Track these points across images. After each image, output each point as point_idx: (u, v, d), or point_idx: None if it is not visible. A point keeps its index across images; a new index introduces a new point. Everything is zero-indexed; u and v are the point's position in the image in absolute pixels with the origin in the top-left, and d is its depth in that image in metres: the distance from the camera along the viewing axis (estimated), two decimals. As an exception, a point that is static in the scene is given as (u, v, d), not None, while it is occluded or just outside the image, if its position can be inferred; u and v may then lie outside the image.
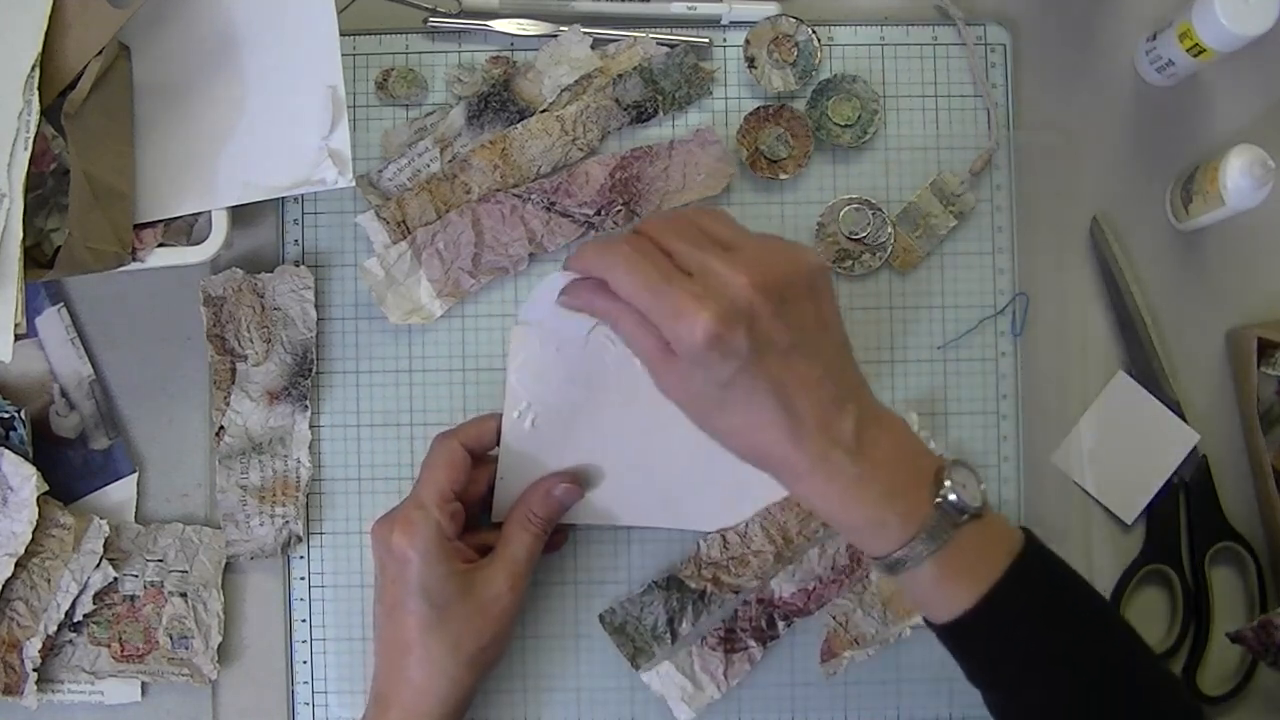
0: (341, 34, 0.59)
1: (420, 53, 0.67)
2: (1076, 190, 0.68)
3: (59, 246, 0.58)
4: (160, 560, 0.65)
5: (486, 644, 0.59)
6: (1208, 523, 0.67)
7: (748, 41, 0.66)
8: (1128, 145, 0.69)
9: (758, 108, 0.66)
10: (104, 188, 0.57)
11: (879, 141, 0.67)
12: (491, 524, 0.64)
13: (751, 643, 0.65)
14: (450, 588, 0.58)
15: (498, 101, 0.66)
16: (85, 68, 0.57)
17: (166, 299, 0.66)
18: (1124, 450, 0.67)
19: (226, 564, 0.65)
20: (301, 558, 0.66)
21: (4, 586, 0.63)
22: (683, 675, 0.64)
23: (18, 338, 0.57)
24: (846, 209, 0.66)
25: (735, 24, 0.67)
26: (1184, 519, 0.67)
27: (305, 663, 0.66)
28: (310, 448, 0.66)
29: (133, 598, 0.65)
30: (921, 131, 0.67)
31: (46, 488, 0.63)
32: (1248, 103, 0.69)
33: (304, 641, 0.66)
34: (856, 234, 0.66)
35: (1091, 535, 0.67)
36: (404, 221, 0.66)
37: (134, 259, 0.59)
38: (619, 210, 0.65)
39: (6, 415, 0.64)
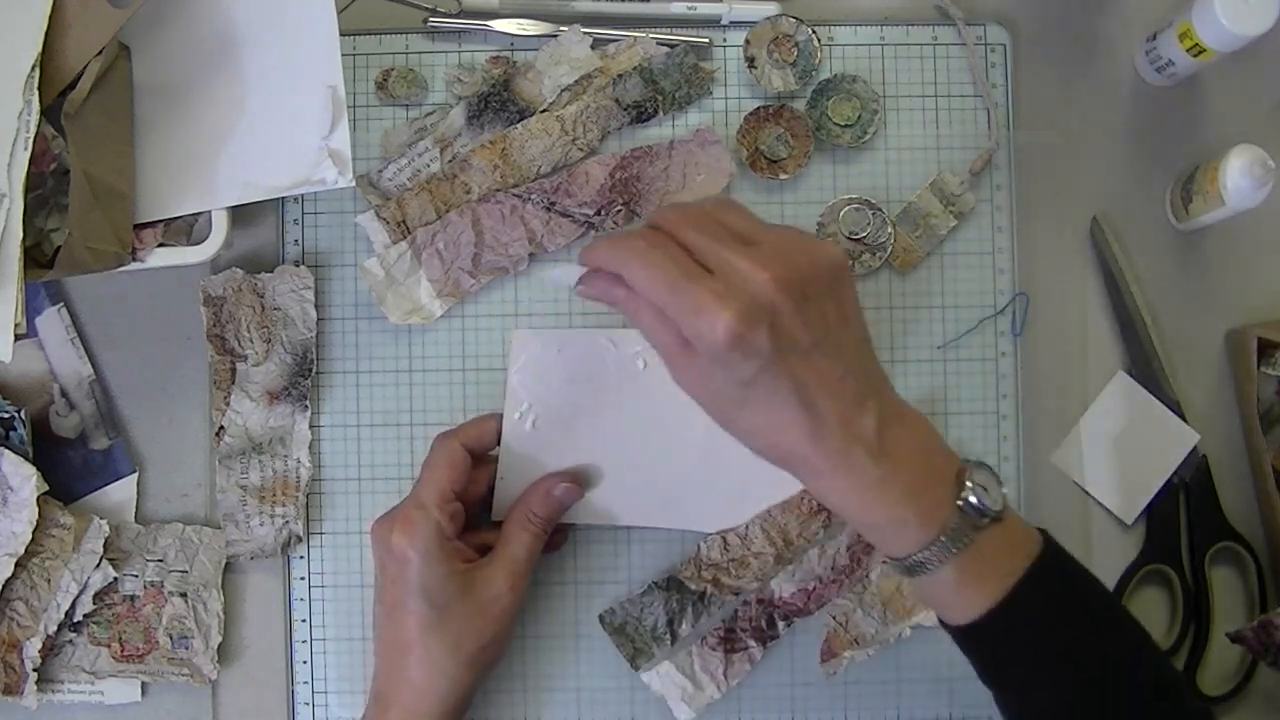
0: (341, 34, 0.59)
1: (420, 53, 0.67)
2: (1076, 190, 0.68)
3: (59, 246, 0.58)
4: (160, 560, 0.65)
5: (486, 644, 0.59)
6: (1208, 523, 0.67)
7: (748, 41, 0.66)
8: (1128, 145, 0.69)
9: (758, 108, 0.66)
10: (104, 188, 0.57)
11: (879, 141, 0.67)
12: (491, 523, 0.64)
13: (751, 643, 0.65)
14: (450, 587, 0.58)
15: (498, 101, 0.66)
16: (85, 68, 0.57)
17: (166, 299, 0.66)
18: (1124, 450, 0.67)
19: (226, 564, 0.65)
20: (301, 558, 0.66)
21: (4, 586, 0.63)
22: (683, 675, 0.64)
23: (18, 338, 0.57)
24: (846, 209, 0.66)
25: (735, 24, 0.67)
26: (1184, 519, 0.67)
27: (305, 663, 0.66)
28: (310, 448, 0.66)
29: (133, 598, 0.65)
30: (921, 131, 0.67)
31: (46, 488, 0.63)
32: (1248, 103, 0.69)
33: (304, 641, 0.66)
34: (856, 234, 0.66)
35: (1091, 535, 0.67)
36: (404, 221, 0.66)
37: (134, 259, 0.59)
38: (619, 210, 0.65)
39: (6, 415, 0.64)
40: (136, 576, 0.65)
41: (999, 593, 0.50)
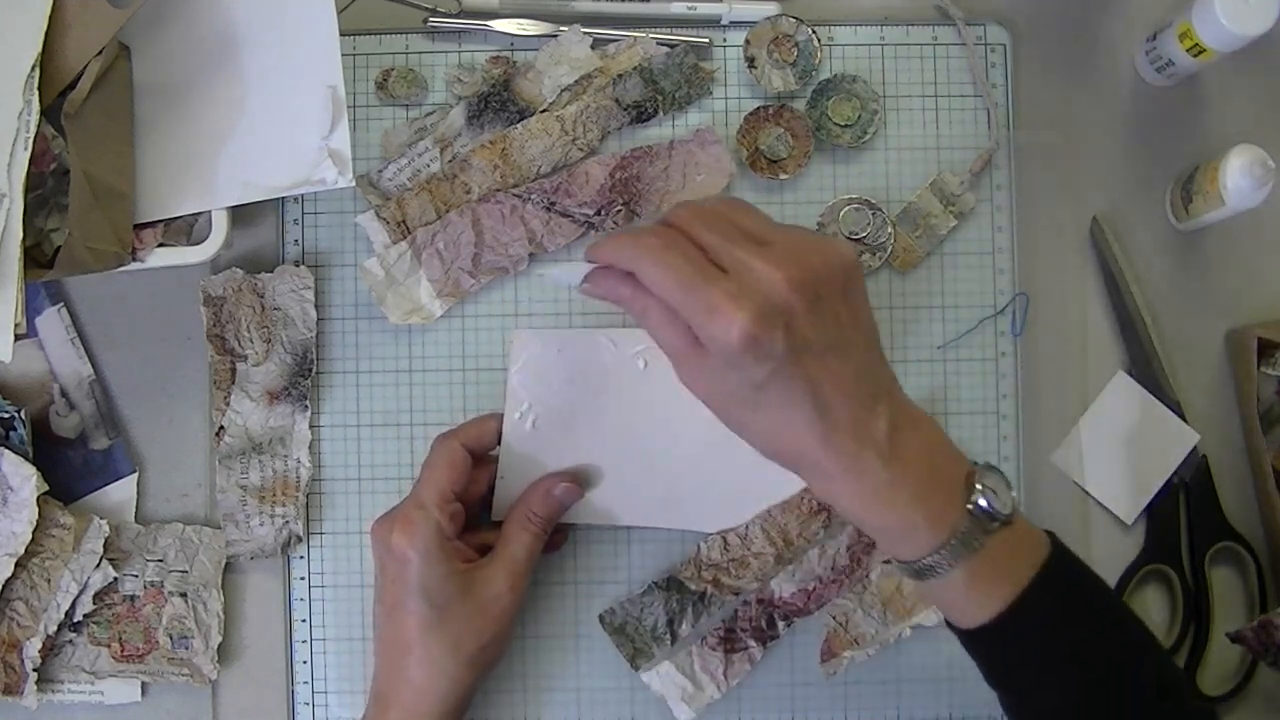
0: (341, 34, 0.59)
1: (420, 53, 0.67)
2: (1076, 190, 0.68)
3: (59, 246, 0.58)
4: (160, 560, 0.65)
5: (486, 644, 0.59)
6: (1208, 523, 0.67)
7: (748, 41, 0.66)
8: (1128, 145, 0.69)
9: (758, 108, 0.66)
10: (104, 188, 0.57)
11: (879, 141, 0.67)
12: (491, 523, 0.64)
13: (751, 643, 0.65)
14: (450, 587, 0.58)
15: (498, 101, 0.66)
16: (85, 68, 0.57)
17: (166, 299, 0.66)
18: (1124, 450, 0.67)
19: (226, 564, 0.65)
20: (301, 558, 0.66)
21: (4, 586, 0.63)
22: (683, 675, 0.64)
23: (18, 338, 0.57)
24: (846, 209, 0.66)
25: (735, 24, 0.67)
26: (1184, 519, 0.67)
27: (305, 663, 0.66)
28: (310, 448, 0.66)
29: (133, 598, 0.65)
30: (921, 131, 0.67)
31: (46, 488, 0.63)
32: (1248, 103, 0.69)
33: (304, 641, 0.66)
34: (856, 234, 0.66)
35: (1091, 535, 0.67)
36: (404, 221, 0.66)
37: (134, 259, 0.59)
38: (619, 210, 0.65)
39: (6, 415, 0.64)
40: (136, 576, 0.65)
41: (1009, 596, 0.49)
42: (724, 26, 0.67)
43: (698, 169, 0.66)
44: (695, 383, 0.50)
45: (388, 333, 0.66)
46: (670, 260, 0.48)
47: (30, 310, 0.65)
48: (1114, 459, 0.67)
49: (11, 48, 0.57)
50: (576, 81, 0.66)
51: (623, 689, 0.66)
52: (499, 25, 0.66)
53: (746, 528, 0.65)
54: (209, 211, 0.60)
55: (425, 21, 0.66)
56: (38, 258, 0.60)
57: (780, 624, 0.65)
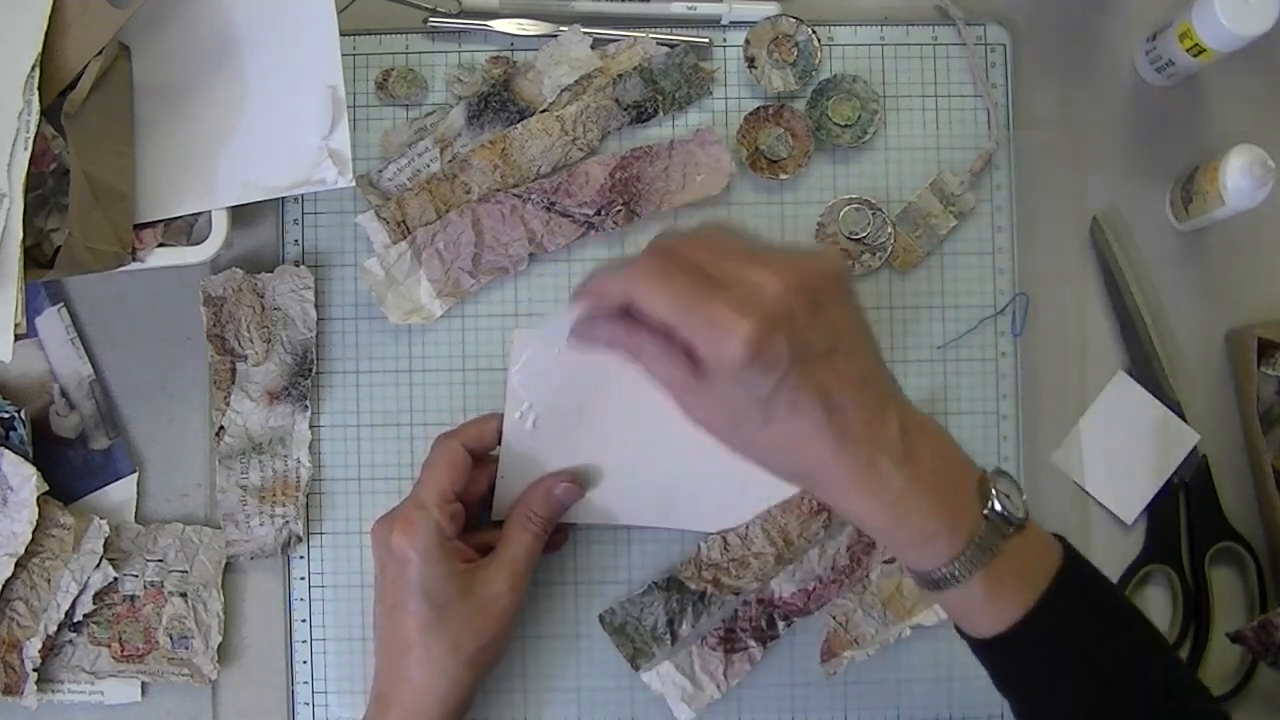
0: (341, 34, 0.59)
1: (420, 53, 0.67)
2: (1076, 190, 0.68)
3: (59, 246, 0.58)
4: (160, 560, 0.65)
5: (486, 643, 0.59)
6: (1208, 523, 0.67)
7: (748, 41, 0.66)
8: (1128, 145, 0.69)
9: (758, 108, 0.66)
10: (104, 188, 0.57)
11: (879, 141, 0.67)
12: (492, 523, 0.64)
13: (751, 643, 0.65)
14: (450, 587, 0.58)
15: (498, 101, 0.66)
16: (85, 68, 0.57)
17: (166, 299, 0.66)
18: (1124, 450, 0.67)
19: (226, 564, 0.65)
20: (301, 558, 0.66)
21: (4, 586, 0.63)
22: (683, 675, 0.64)
23: (18, 338, 0.57)
24: (846, 209, 0.66)
25: (735, 24, 0.67)
26: (1184, 519, 0.67)
27: (305, 663, 0.66)
28: (310, 448, 0.66)
29: (133, 598, 0.65)
30: (921, 131, 0.67)
31: (46, 488, 0.63)
32: (1248, 103, 0.69)
33: (304, 641, 0.66)
34: (856, 234, 0.66)
35: (1091, 535, 0.67)
36: (404, 221, 0.66)
37: (134, 259, 0.59)
38: (619, 210, 0.65)
39: (6, 415, 0.64)
40: (136, 576, 0.65)
41: (1026, 604, 0.49)
42: (724, 26, 0.67)
43: (698, 169, 0.66)
44: (699, 411, 0.49)
45: (388, 333, 0.66)
46: (665, 280, 0.47)
47: (30, 310, 0.65)
48: (1114, 459, 0.67)
49: (11, 48, 0.57)
50: (576, 81, 0.66)
51: (623, 689, 0.66)
52: (499, 25, 0.66)
53: (747, 528, 0.65)
54: (209, 211, 0.60)
55: (425, 21, 0.66)
56: (38, 258, 0.60)
57: (780, 624, 0.65)
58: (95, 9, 0.57)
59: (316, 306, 0.66)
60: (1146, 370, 0.67)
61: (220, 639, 0.65)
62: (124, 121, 0.60)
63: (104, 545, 0.64)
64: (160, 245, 0.60)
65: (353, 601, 0.66)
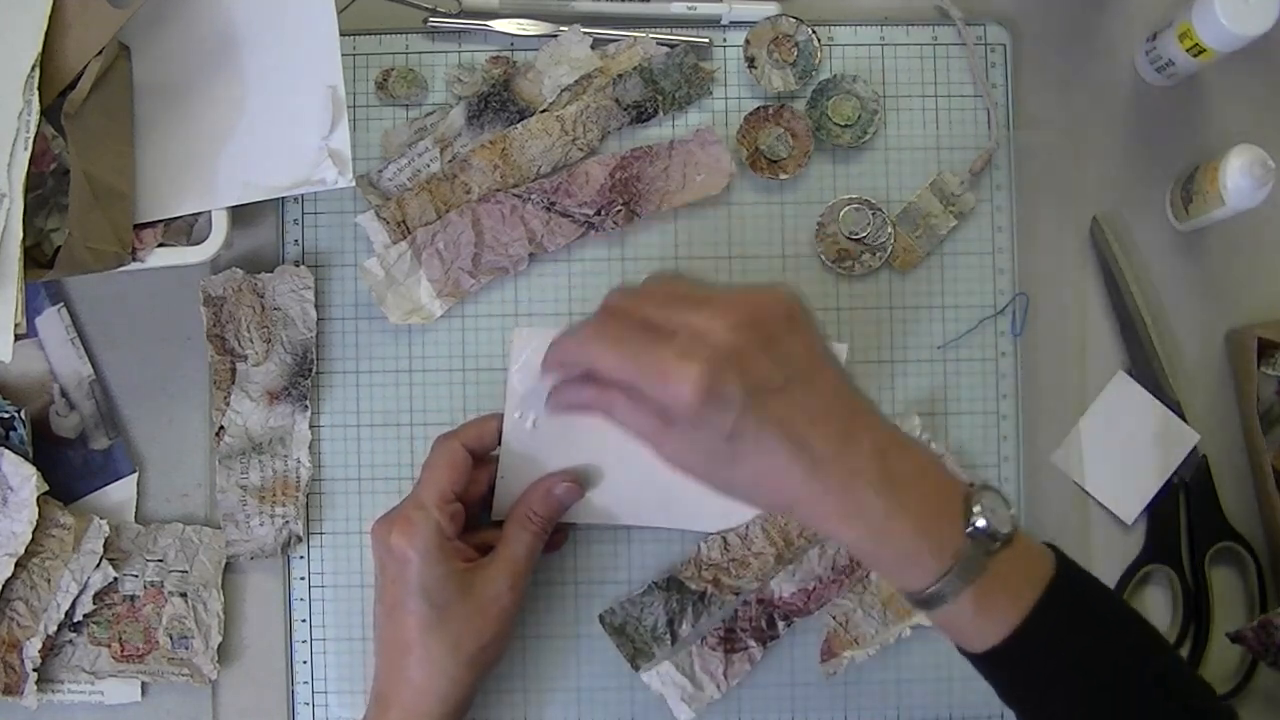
0: (341, 34, 0.59)
1: (420, 53, 0.67)
2: (1076, 190, 0.68)
3: (59, 246, 0.58)
4: (160, 560, 0.65)
5: (486, 643, 0.59)
6: (1208, 523, 0.67)
7: (748, 41, 0.66)
8: (1128, 145, 0.69)
9: (758, 108, 0.66)
10: (104, 188, 0.57)
11: (879, 141, 0.67)
12: (492, 523, 0.64)
13: (751, 643, 0.65)
14: (450, 587, 0.58)
15: (498, 101, 0.66)
16: (85, 68, 0.57)
17: (166, 299, 0.66)
18: (1124, 450, 0.67)
19: (226, 564, 0.65)
20: (301, 558, 0.66)
21: (4, 586, 0.63)
22: (683, 675, 0.64)
23: (18, 338, 0.57)
24: (846, 209, 0.66)
25: (735, 24, 0.67)
26: (1184, 519, 0.67)
27: (305, 663, 0.66)
28: (310, 448, 0.66)
29: (133, 598, 0.65)
30: (921, 131, 0.67)
31: (46, 488, 0.63)
32: (1248, 103, 0.69)
33: (304, 641, 0.66)
34: (856, 234, 0.66)
35: (1091, 535, 0.67)
36: (404, 221, 0.66)
37: (134, 259, 0.59)
38: (619, 210, 0.65)
39: (6, 415, 0.64)
40: (136, 576, 0.65)
41: (1017, 617, 0.49)
42: (724, 26, 0.67)
43: (698, 169, 0.66)
44: (675, 457, 0.51)
45: (388, 333, 0.66)
46: (616, 341, 0.49)
47: (30, 310, 0.65)
48: (1114, 459, 0.67)
49: (11, 48, 0.57)
50: (576, 81, 0.66)
51: (623, 689, 0.66)
52: (499, 25, 0.66)
53: (747, 527, 0.65)
54: (209, 211, 0.60)
55: (425, 21, 0.66)
56: (38, 258, 0.60)
57: (780, 624, 0.65)
58: (95, 9, 0.57)
59: (316, 306, 0.66)
60: (1146, 370, 0.67)
61: (220, 639, 0.65)
62: (124, 121, 0.60)
63: (104, 545, 0.64)
64: (160, 245, 0.60)
65: (353, 601, 0.66)
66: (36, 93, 0.57)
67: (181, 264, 0.60)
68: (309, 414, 0.66)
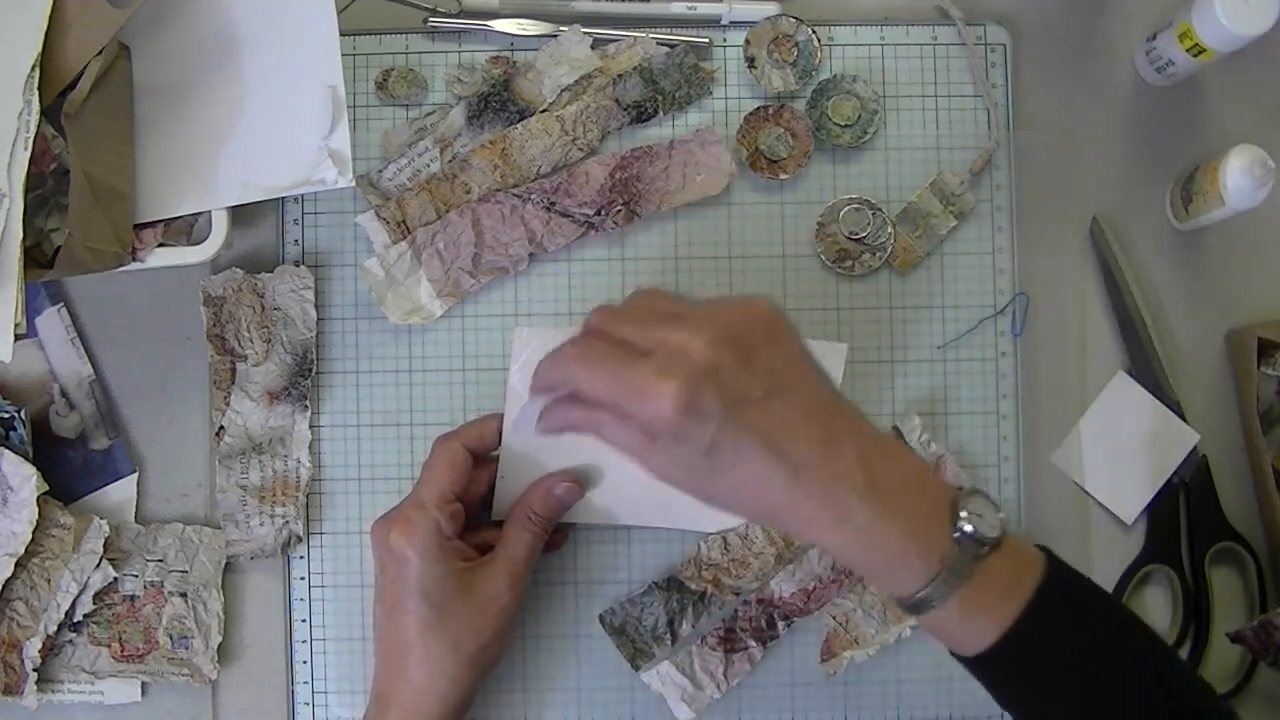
0: (341, 34, 0.59)
1: (420, 53, 0.67)
2: (1076, 190, 0.68)
3: (59, 246, 0.58)
4: (160, 560, 0.65)
5: (486, 643, 0.59)
6: (1208, 523, 0.67)
7: (748, 41, 0.66)
8: (1128, 145, 0.69)
9: (758, 108, 0.66)
10: (104, 188, 0.57)
11: (879, 141, 0.67)
12: (491, 523, 0.64)
13: (751, 643, 0.65)
14: (449, 587, 0.58)
15: (498, 101, 0.66)
16: (85, 68, 0.57)
17: (166, 299, 0.66)
18: (1124, 450, 0.67)
19: (226, 564, 0.65)
20: (301, 558, 0.66)
21: (4, 586, 0.63)
22: (683, 675, 0.64)
23: (18, 338, 0.57)
24: (846, 209, 0.66)
25: (735, 24, 0.67)
26: (1184, 519, 0.67)
27: (305, 663, 0.66)
28: (310, 448, 0.66)
29: (133, 598, 0.65)
30: (921, 131, 0.67)
31: (46, 488, 0.63)
32: (1248, 103, 0.69)
33: (304, 641, 0.66)
34: (856, 234, 0.66)
35: (1091, 535, 0.67)
36: (404, 221, 0.66)
37: (134, 259, 0.59)
38: (619, 210, 0.65)
39: (6, 415, 0.64)
40: (136, 576, 0.65)
41: (1006, 621, 0.49)
42: (724, 26, 0.67)
43: (698, 169, 0.66)
44: (660, 471, 0.51)
45: (388, 333, 0.66)
46: (595, 362, 0.50)
47: (30, 310, 0.65)
48: (1114, 459, 0.67)
49: (11, 48, 0.57)
50: (576, 81, 0.66)
51: (623, 689, 0.66)
52: (499, 25, 0.66)
53: (747, 527, 0.65)
54: (209, 211, 0.60)
55: (425, 21, 0.66)
56: (38, 258, 0.60)
57: (780, 624, 0.65)
58: (95, 9, 0.57)
59: (316, 306, 0.66)
60: (1146, 370, 0.67)
61: (220, 639, 0.65)
62: (124, 121, 0.60)
63: (104, 545, 0.64)
64: (160, 245, 0.60)
65: (353, 601, 0.66)
66: (36, 93, 0.57)
67: (181, 264, 0.60)
68: (309, 414, 0.66)
